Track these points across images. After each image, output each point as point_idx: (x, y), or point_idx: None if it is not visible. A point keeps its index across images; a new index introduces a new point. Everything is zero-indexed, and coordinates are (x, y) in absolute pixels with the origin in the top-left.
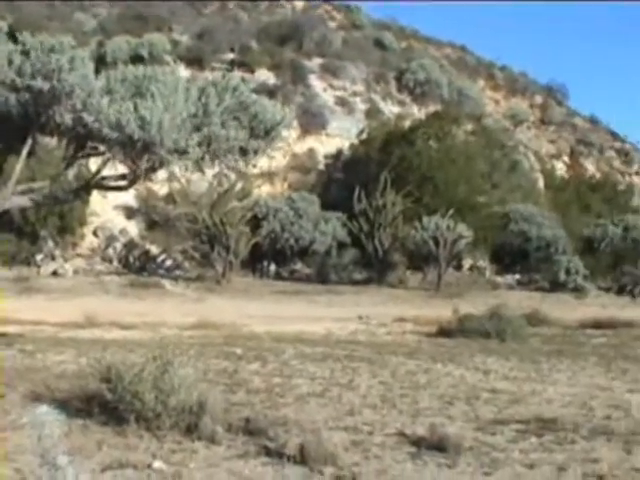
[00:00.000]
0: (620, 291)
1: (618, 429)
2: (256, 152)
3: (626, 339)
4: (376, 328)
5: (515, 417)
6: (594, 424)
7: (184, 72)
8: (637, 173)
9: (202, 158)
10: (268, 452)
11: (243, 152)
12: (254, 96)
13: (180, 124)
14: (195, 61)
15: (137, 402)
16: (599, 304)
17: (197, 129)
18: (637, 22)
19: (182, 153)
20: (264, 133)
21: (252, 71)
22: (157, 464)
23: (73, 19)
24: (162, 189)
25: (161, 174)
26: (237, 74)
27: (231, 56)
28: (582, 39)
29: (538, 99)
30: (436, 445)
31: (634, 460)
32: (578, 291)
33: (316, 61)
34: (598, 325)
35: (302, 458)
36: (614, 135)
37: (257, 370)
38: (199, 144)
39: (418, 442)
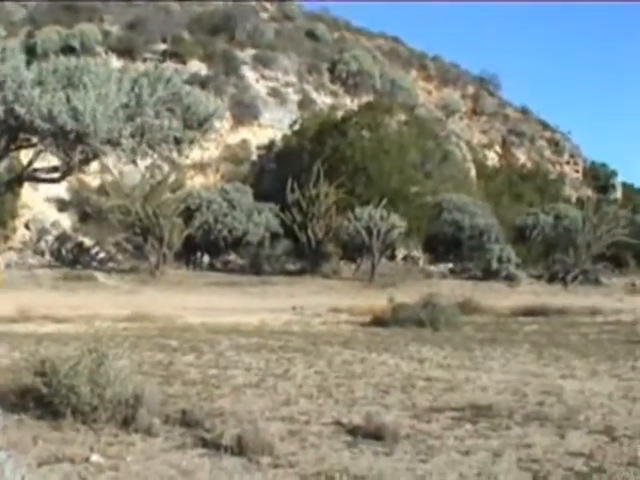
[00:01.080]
0: (552, 279)
1: (551, 414)
2: (191, 142)
3: (558, 326)
4: (310, 318)
5: (450, 404)
6: (528, 410)
7: (116, 63)
8: (568, 162)
9: (135, 149)
10: (205, 443)
11: (177, 142)
12: (187, 87)
13: (113, 115)
14: (127, 52)
15: (73, 396)
16: (531, 292)
17: (130, 119)
18: (568, 13)
19: (116, 144)
20: (197, 124)
21: (184, 62)
22: (94, 457)
23: (2, 9)
24: (94, 181)
25: (93, 166)
26: (169, 65)
27: (163, 47)
28: (514, 30)
29: (470, 90)
30: (373, 433)
31: (567, 444)
32: (510, 279)
33: (248, 52)
34: (530, 313)
35: (239, 449)
36: (545, 125)
37: (193, 362)
38: (132, 134)
39: (355, 431)
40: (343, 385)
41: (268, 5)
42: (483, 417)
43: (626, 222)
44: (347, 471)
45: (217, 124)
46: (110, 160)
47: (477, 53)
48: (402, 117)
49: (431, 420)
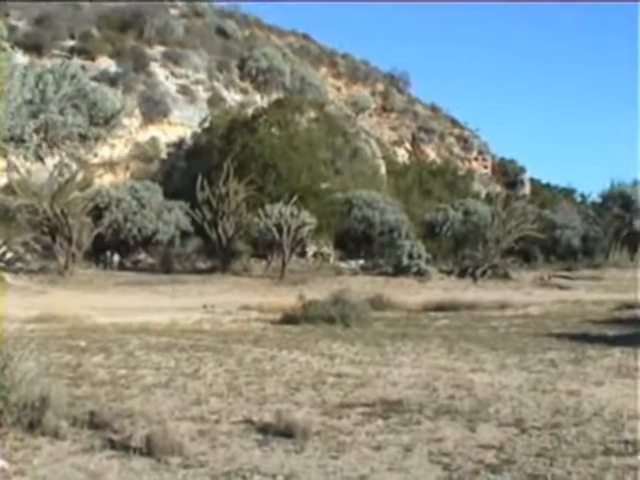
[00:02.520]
0: (462, 274)
1: (462, 408)
2: (97, 139)
3: (468, 320)
4: (221, 317)
5: (361, 400)
6: (438, 404)
7: (22, 59)
8: (476, 159)
9: (40, 146)
10: (114, 445)
11: (82, 139)
12: (93, 84)
13: (15, 111)
14: (34, 48)
15: None
16: (441, 287)
17: (34, 116)
18: (477, 10)
19: (19, 141)
20: (104, 121)
21: (93, 58)
22: None
23: None
24: (1, 180)
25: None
26: (77, 61)
27: (71, 43)
28: (423, 27)
29: (380, 87)
30: (283, 431)
31: (478, 437)
32: (421, 275)
33: (158, 49)
34: (441, 307)
35: (148, 449)
36: (454, 122)
37: (101, 362)
38: (36, 131)
39: (265, 429)
40: (253, 383)
41: (178, 2)
42: (394, 412)
43: (534, 217)
44: (258, 469)
45: (126, 121)
46: (16, 158)
47: (387, 50)
48: (312, 114)
49: (342, 416)
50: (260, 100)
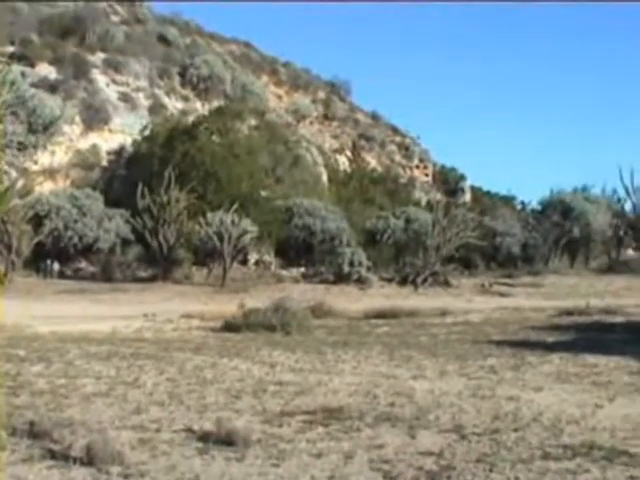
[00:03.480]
0: (402, 281)
1: (402, 415)
2: (35, 147)
3: (409, 328)
4: (162, 325)
5: (302, 408)
6: (379, 411)
7: None
8: (417, 166)
9: None
10: (53, 455)
11: (21, 147)
12: (32, 90)
13: None
14: None
15: None
16: (382, 294)
17: None
18: (416, 16)
19: None
20: (42, 128)
21: (33, 65)
22: None
23: None
24: None
25: None
26: (17, 68)
27: (11, 49)
28: (364, 35)
29: (321, 95)
30: (224, 439)
31: (418, 444)
32: (362, 282)
33: (99, 56)
34: (382, 315)
35: (89, 459)
36: (395, 130)
37: (41, 372)
38: None
39: (206, 437)
40: (194, 391)
41: (119, 8)
42: (335, 419)
43: (475, 225)
44: (198, 478)
45: (66, 129)
46: None
47: (328, 59)
48: (253, 122)
49: (283, 424)
50: (201, 108)
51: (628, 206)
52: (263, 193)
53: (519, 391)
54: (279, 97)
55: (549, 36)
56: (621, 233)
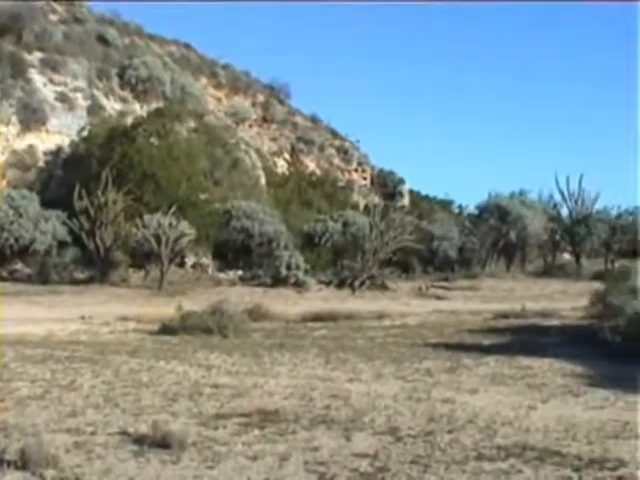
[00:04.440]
0: (340, 284)
1: (338, 417)
2: None
3: (345, 331)
4: (98, 328)
5: (238, 411)
6: (315, 414)
7: None
8: (356, 170)
9: None
10: None
11: None
12: None
13: None
14: None
15: None
16: (320, 297)
17: None
18: (356, 20)
19: None
20: None
21: None
22: None
23: None
24: None
25: None
26: None
27: None
28: (304, 38)
29: (260, 98)
30: (160, 442)
31: (353, 446)
32: (299, 285)
33: (36, 55)
34: (319, 318)
35: (23, 463)
36: (334, 133)
37: None
38: None
39: (141, 440)
40: (130, 394)
41: (57, 6)
42: (270, 422)
43: (412, 228)
44: None
45: (3, 129)
46: None
47: (268, 62)
48: (192, 124)
49: (218, 427)
50: (140, 109)
51: (564, 211)
52: (201, 196)
53: (454, 393)
54: (218, 99)
55: (490, 39)
56: (557, 237)
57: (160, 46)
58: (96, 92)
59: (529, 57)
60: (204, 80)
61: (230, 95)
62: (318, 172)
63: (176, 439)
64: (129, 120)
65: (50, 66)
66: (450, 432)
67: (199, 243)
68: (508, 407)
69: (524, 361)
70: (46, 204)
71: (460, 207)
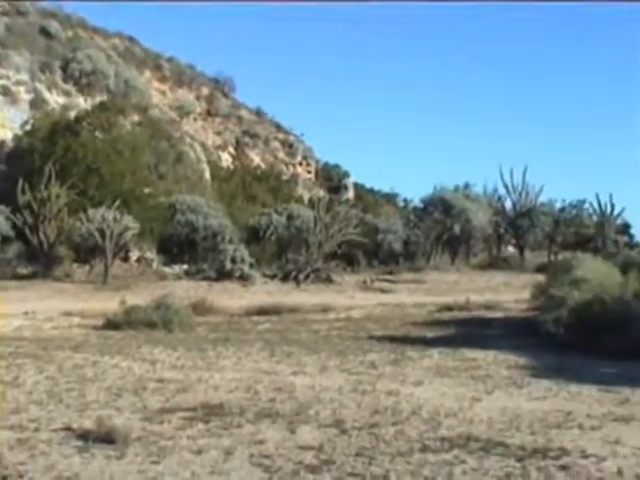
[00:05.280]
0: (285, 278)
1: (283, 411)
2: None
3: (290, 324)
4: (42, 323)
5: (182, 405)
6: (260, 407)
7: None
8: (301, 163)
9: None
10: None
11: None
12: None
13: None
14: None
15: None
16: (265, 291)
17: None
18: (302, 17)
19: None
20: None
21: None
22: None
23: None
24: None
25: None
26: None
27: None
28: (248, 32)
29: (205, 91)
30: (104, 437)
31: (298, 439)
32: (244, 279)
33: None
34: (264, 312)
35: None
36: (279, 127)
37: None
38: None
39: (86, 436)
40: (74, 390)
41: None
42: (215, 416)
43: (357, 221)
44: (78, 477)
45: None
46: None
47: (212, 55)
48: (136, 118)
49: (163, 421)
50: (83, 103)
51: (508, 204)
52: (146, 190)
53: (399, 385)
54: (163, 93)
55: (431, 31)
56: (501, 230)
57: (104, 39)
58: (39, 85)
59: (472, 49)
60: (148, 73)
61: (174, 88)
62: (263, 166)
63: (120, 434)
64: (73, 114)
65: None
66: (395, 424)
67: (143, 237)
68: (452, 399)
69: (468, 353)
70: None
71: (405, 200)
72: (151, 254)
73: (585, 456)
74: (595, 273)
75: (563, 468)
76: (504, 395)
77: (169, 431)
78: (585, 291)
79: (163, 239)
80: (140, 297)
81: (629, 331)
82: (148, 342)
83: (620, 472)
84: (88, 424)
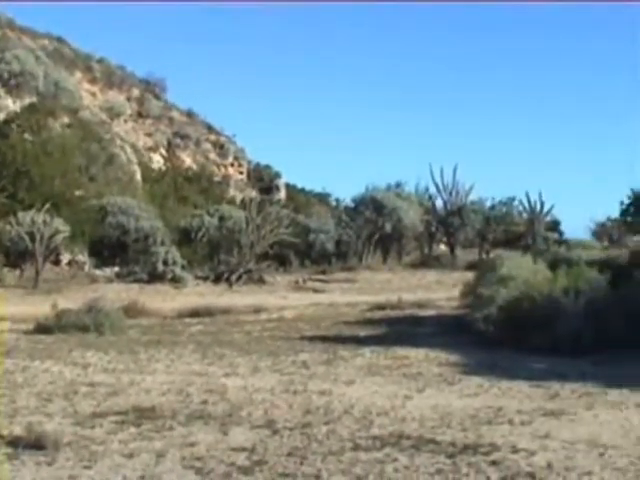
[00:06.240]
0: (217, 279)
1: (215, 412)
2: None
3: (222, 325)
4: None
5: (114, 409)
6: (192, 409)
7: None
8: (232, 165)
9: None
10: None
11: None
12: None
13: None
14: None
15: None
16: (197, 293)
17: None
18: (233, 16)
19: None
20: None
21: None
22: None
23: None
24: None
25: None
26: None
27: None
28: (180, 33)
29: (136, 92)
30: (34, 443)
31: (230, 440)
32: (176, 281)
33: None
34: (196, 313)
35: None
36: (210, 128)
37: None
38: None
39: (15, 442)
40: (4, 396)
41: None
42: (147, 419)
43: (289, 222)
44: None
45: None
46: None
47: (143, 56)
48: (66, 120)
49: (94, 426)
50: (12, 104)
51: (439, 202)
52: (76, 192)
53: (331, 385)
54: (93, 94)
55: (367, 28)
56: (432, 229)
57: (32, 40)
58: None
59: (410, 43)
60: (78, 74)
61: (105, 90)
62: (194, 167)
63: (51, 440)
64: (1, 116)
65: None
66: (327, 424)
67: (74, 240)
68: (384, 397)
69: (400, 351)
70: None
71: (337, 200)
72: (82, 257)
73: (515, 451)
74: (521, 270)
75: (493, 463)
76: (436, 393)
77: (100, 435)
78: (512, 288)
79: (94, 242)
80: (72, 300)
81: (558, 327)
82: (80, 346)
83: (550, 465)
84: (18, 430)
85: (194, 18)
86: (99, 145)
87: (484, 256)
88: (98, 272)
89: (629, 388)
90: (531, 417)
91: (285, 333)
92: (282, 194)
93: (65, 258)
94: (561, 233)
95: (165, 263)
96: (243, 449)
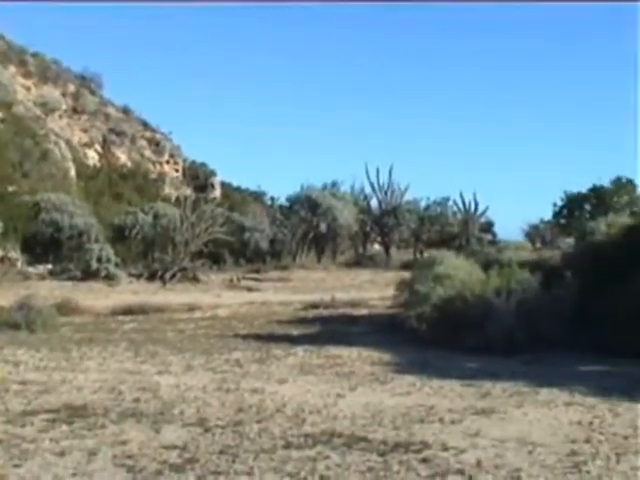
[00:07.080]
0: (151, 277)
1: (147, 410)
2: None
3: (156, 323)
4: None
5: (45, 407)
6: (124, 407)
7: None
8: (168, 162)
9: None
10: None
11: None
12: None
13: None
14: None
15: None
16: (131, 291)
17: None
18: (169, 12)
19: None
20: None
21: None
22: None
23: None
24: None
25: None
26: None
27: None
28: (116, 28)
29: (71, 88)
30: None
31: (162, 438)
32: (110, 279)
33: None
34: (129, 311)
35: None
36: (146, 125)
37: None
38: None
39: None
40: None
41: None
42: (79, 417)
43: (224, 220)
44: None
45: None
46: None
47: (79, 50)
48: None
49: (25, 424)
50: None
51: (374, 202)
52: (9, 188)
53: (263, 383)
54: (27, 89)
55: (303, 25)
56: (367, 228)
57: None
58: None
59: (340, 42)
60: (12, 68)
61: (39, 84)
62: (129, 164)
63: None
64: None
65: None
66: (259, 422)
67: (7, 237)
68: (317, 396)
69: (333, 350)
70: None
71: (272, 199)
72: (15, 254)
73: (446, 449)
74: (458, 270)
75: (424, 461)
76: (368, 391)
77: (31, 434)
78: (448, 287)
79: (27, 238)
80: (3, 298)
81: (490, 327)
82: (11, 343)
83: (479, 463)
84: None
85: (130, 14)
86: (33, 140)
87: (418, 256)
88: (31, 269)
89: (559, 387)
90: (462, 416)
91: (219, 331)
92: (217, 192)
93: None
94: (495, 234)
95: (99, 260)
96: (175, 447)
